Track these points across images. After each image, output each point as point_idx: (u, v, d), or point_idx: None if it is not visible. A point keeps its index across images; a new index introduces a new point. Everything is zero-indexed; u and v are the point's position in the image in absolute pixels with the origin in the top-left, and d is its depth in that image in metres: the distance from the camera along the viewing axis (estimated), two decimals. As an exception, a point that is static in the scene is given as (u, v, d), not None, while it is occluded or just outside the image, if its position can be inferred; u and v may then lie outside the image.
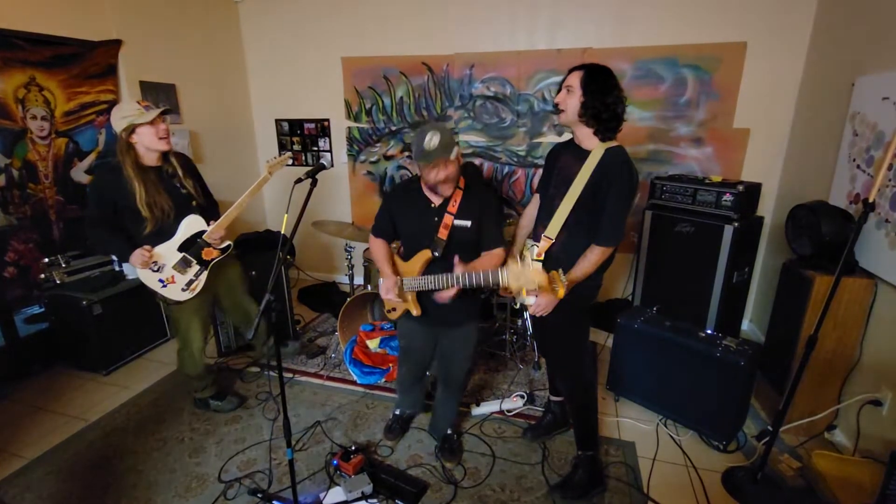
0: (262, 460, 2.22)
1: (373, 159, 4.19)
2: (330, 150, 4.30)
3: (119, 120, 2.01)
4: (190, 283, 2.24)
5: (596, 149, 1.72)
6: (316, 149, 4.34)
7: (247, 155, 4.44)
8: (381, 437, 2.38)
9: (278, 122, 4.39)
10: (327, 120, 4.22)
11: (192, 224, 2.22)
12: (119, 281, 3.04)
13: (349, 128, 4.16)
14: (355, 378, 2.83)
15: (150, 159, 2.12)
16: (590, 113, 1.68)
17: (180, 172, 2.22)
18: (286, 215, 1.89)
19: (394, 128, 4.04)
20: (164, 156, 2.17)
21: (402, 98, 3.94)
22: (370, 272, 3.08)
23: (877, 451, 2.01)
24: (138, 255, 2.09)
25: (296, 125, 4.34)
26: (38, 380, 2.89)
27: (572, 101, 1.71)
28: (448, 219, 1.86)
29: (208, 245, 2.25)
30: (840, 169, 2.48)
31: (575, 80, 1.71)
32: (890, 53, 2.19)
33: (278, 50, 4.16)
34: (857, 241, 1.70)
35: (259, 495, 1.99)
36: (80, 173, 3.05)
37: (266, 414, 2.56)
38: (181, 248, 2.21)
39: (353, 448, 2.15)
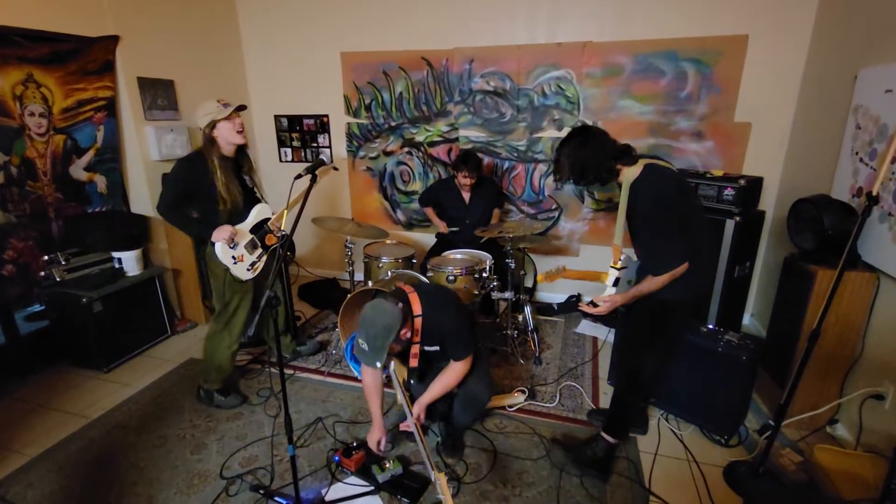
0: (264, 457, 2.22)
1: (372, 155, 4.17)
2: (329, 146, 4.28)
3: (202, 117, 2.26)
4: (253, 264, 2.46)
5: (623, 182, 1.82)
6: (315, 145, 4.33)
7: (246, 151, 4.42)
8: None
9: (277, 118, 4.37)
10: (326, 116, 4.20)
11: (262, 211, 2.50)
12: (119, 278, 3.04)
13: (348, 123, 4.15)
14: (356, 374, 2.83)
15: (228, 152, 2.34)
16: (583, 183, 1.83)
17: (248, 167, 2.48)
18: (286, 212, 1.89)
19: (393, 123, 4.02)
20: (240, 150, 2.40)
21: (401, 93, 3.92)
22: (370, 268, 3.07)
23: (879, 446, 2.01)
24: (225, 230, 2.30)
25: (295, 121, 4.32)
26: (38, 378, 2.89)
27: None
28: (415, 348, 1.96)
29: (271, 231, 2.51)
30: (843, 162, 2.47)
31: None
32: (893, 45, 2.17)
33: (277, 45, 4.14)
34: (859, 234, 1.69)
35: (261, 491, 1.99)
36: (78, 170, 3.04)
37: (267, 410, 2.56)
38: (252, 231, 2.46)
39: (355, 444, 2.15)
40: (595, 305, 1.88)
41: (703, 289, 1.96)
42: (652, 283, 1.78)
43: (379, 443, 2.07)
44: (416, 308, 1.92)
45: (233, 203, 2.33)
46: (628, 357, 2.09)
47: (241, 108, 2.32)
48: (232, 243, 2.34)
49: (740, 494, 1.97)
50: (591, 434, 2.20)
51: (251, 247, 2.44)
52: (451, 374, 2.03)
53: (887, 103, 2.12)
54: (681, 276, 1.76)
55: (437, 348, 2.04)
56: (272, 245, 2.53)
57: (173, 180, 2.35)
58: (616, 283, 1.88)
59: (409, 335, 1.90)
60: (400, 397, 2.01)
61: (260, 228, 2.48)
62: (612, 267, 1.90)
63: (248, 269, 2.43)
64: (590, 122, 3.51)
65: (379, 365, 1.79)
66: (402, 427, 2.09)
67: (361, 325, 1.80)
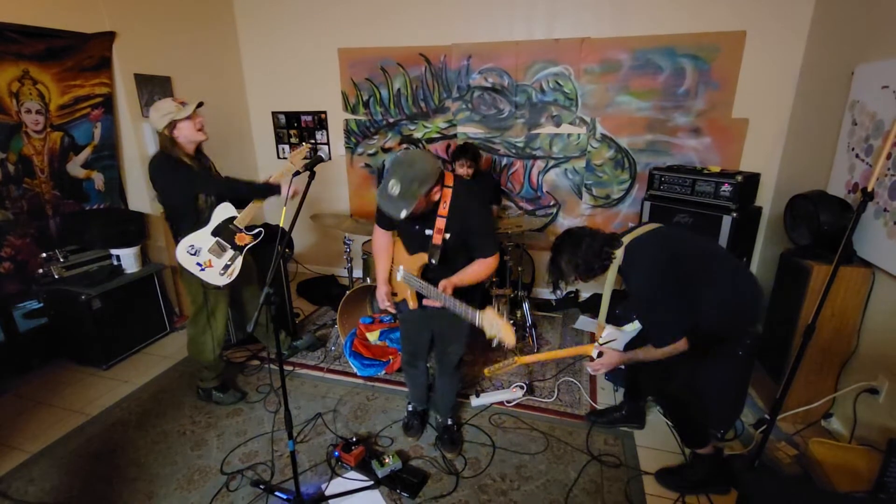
0: (264, 452, 2.23)
1: (370, 152, 4.17)
2: (327, 143, 4.28)
3: (161, 118, 2.15)
4: (226, 267, 2.35)
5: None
6: (314, 141, 4.32)
7: (243, 147, 4.41)
8: (381, 428, 2.39)
9: (275, 114, 4.36)
10: (324, 112, 4.19)
11: (223, 211, 2.37)
12: (118, 275, 3.04)
13: (346, 120, 4.14)
14: (355, 370, 2.84)
15: (190, 151, 2.27)
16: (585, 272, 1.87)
17: (212, 164, 2.41)
18: (284, 208, 1.89)
19: (391, 120, 4.02)
20: (198, 149, 2.32)
21: (399, 90, 3.91)
22: (369, 265, 3.08)
23: (873, 439, 2.03)
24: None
25: (293, 118, 4.31)
26: (38, 375, 2.89)
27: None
28: (441, 222, 1.80)
29: (240, 230, 2.38)
30: (839, 158, 2.48)
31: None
32: (890, 41, 2.18)
33: (274, 41, 4.12)
34: (855, 230, 1.70)
35: (261, 487, 2.00)
36: (76, 167, 3.03)
37: (267, 406, 2.57)
38: (214, 234, 2.34)
39: (354, 439, 2.17)
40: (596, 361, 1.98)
41: (755, 319, 2.00)
42: (654, 354, 1.81)
43: (386, 295, 2.02)
44: (449, 180, 1.80)
45: (208, 204, 2.27)
46: (659, 375, 2.05)
47: (200, 104, 2.23)
48: (192, 250, 2.25)
49: (736, 487, 1.98)
50: (687, 460, 2.16)
51: (219, 249, 2.33)
52: (481, 265, 1.87)
53: (883, 99, 2.13)
54: (729, 317, 1.84)
55: (452, 235, 1.85)
56: (246, 244, 2.41)
57: (186, 171, 2.22)
58: (600, 355, 1.96)
59: (438, 197, 1.78)
60: (410, 288, 1.92)
61: (224, 229, 2.35)
62: (594, 342, 2.00)
63: (222, 274, 2.32)
64: (587, 119, 3.54)
65: (405, 213, 1.62)
66: (426, 302, 1.89)
67: (396, 167, 1.63)
